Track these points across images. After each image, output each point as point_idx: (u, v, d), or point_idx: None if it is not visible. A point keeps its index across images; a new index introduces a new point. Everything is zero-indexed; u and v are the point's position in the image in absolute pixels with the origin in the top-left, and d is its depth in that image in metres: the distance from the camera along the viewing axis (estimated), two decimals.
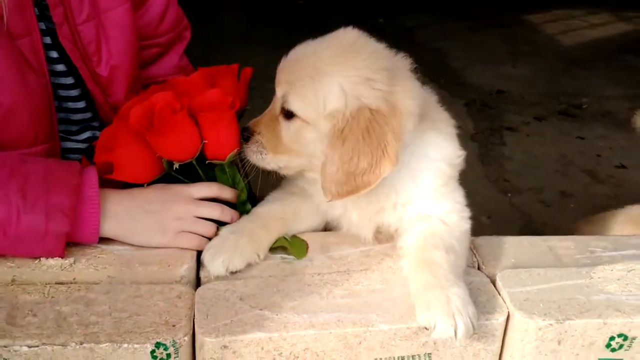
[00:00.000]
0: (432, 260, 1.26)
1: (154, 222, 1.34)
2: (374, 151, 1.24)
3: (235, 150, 1.41)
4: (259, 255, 1.34)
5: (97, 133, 1.61)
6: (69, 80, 1.56)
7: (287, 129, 1.35)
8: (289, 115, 1.33)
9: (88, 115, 1.63)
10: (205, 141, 1.39)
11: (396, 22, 6.26)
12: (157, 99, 1.38)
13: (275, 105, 1.37)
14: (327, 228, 1.50)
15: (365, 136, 1.24)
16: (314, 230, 1.46)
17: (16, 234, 1.24)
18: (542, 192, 3.73)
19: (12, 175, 1.25)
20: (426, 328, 1.17)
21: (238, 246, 1.31)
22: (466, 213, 1.40)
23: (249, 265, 1.32)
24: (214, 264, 1.29)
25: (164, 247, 1.35)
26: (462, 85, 4.85)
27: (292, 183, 1.47)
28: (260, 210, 1.41)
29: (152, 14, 1.68)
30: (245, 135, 1.39)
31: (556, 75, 5.29)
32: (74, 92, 1.58)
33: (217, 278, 1.29)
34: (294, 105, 1.32)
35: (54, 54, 1.51)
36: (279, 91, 1.36)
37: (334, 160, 1.26)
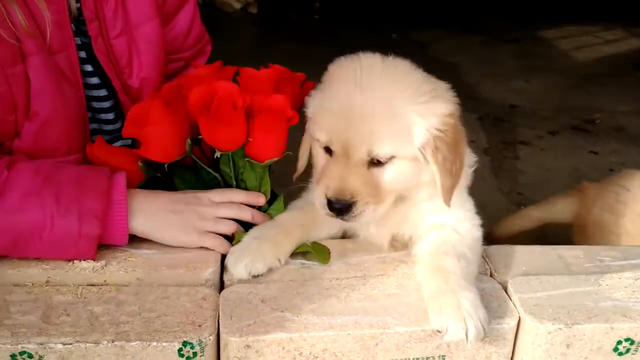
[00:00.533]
0: (444, 267, 1.31)
1: (179, 220, 1.41)
2: (460, 149, 1.35)
3: (275, 159, 1.47)
4: (280, 260, 1.38)
5: (128, 142, 1.68)
6: (103, 92, 1.63)
7: (386, 174, 1.33)
8: (383, 162, 1.32)
9: (118, 125, 1.70)
10: (250, 139, 1.44)
11: (409, 36, 6.30)
12: (221, 86, 1.39)
13: (354, 162, 1.31)
14: (343, 236, 1.54)
15: (452, 140, 1.33)
16: (332, 238, 1.51)
17: (51, 238, 1.30)
18: None
19: (47, 182, 1.32)
20: (439, 331, 1.21)
21: (260, 251, 1.36)
22: (477, 221, 1.45)
23: (270, 270, 1.37)
24: (237, 268, 1.34)
25: (188, 247, 1.41)
26: (475, 100, 4.86)
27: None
28: (282, 217, 1.47)
29: (178, 30, 1.75)
30: (342, 206, 1.30)
31: (569, 91, 5.29)
32: (106, 104, 1.66)
33: (240, 281, 1.35)
34: (389, 153, 1.31)
35: (89, 68, 1.58)
36: (359, 153, 1.30)
37: (441, 174, 1.32)
